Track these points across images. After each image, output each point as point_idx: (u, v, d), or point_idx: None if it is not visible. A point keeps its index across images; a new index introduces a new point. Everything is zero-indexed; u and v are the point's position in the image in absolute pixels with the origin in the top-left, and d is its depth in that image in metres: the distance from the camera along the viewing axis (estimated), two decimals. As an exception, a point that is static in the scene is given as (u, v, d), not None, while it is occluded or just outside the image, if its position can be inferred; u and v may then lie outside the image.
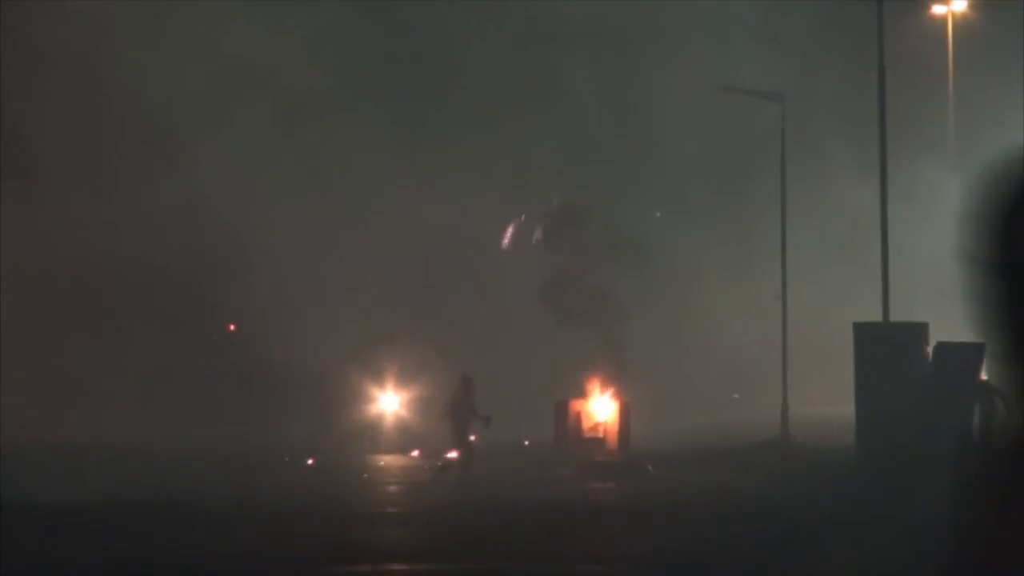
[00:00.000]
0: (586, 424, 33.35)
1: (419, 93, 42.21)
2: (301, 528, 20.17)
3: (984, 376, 26.46)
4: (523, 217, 22.92)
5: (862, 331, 26.95)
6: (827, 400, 40.17)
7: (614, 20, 41.98)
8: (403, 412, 37.29)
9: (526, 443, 34.93)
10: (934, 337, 26.54)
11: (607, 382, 33.73)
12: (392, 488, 27.62)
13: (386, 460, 34.11)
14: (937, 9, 46.38)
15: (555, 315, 35.02)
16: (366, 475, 30.13)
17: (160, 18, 40.08)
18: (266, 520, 20.84)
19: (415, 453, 33.91)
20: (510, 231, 23.21)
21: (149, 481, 26.62)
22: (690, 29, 42.08)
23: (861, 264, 36.59)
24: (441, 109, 41.28)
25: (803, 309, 38.55)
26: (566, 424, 33.02)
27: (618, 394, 33.54)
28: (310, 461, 32.42)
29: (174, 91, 39.60)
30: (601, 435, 33.18)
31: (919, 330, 26.62)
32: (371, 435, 36.92)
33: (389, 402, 38.24)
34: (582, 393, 33.59)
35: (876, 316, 28.77)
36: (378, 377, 38.60)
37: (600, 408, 33.47)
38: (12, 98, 37.82)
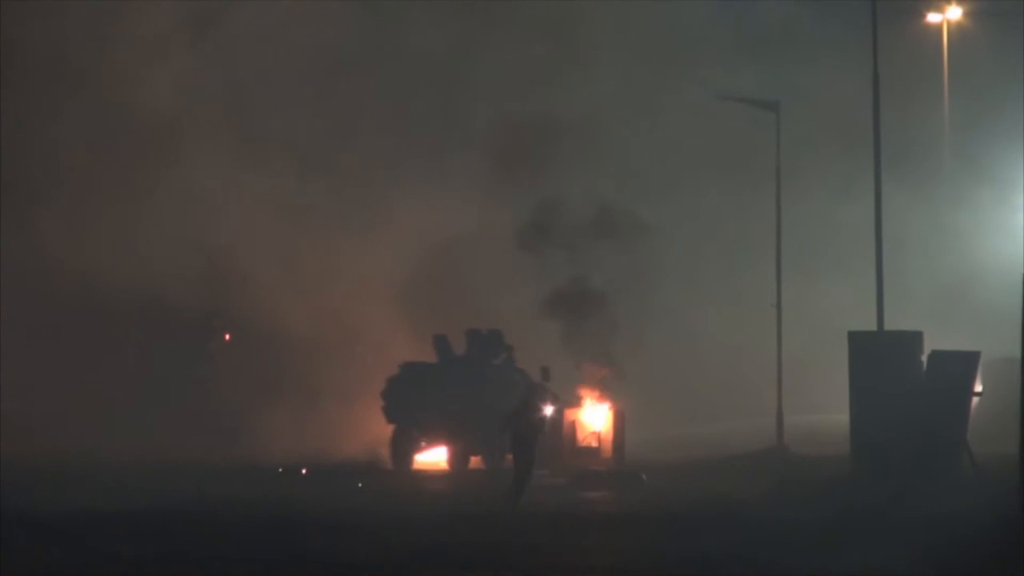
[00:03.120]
0: (580, 433, 33.29)
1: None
2: (288, 536, 20.13)
3: (979, 385, 26.45)
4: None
5: (857, 340, 26.90)
6: (819, 408, 40.19)
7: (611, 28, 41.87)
8: None
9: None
10: (928, 345, 26.54)
11: (601, 391, 33.65)
12: (384, 497, 27.54)
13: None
14: (932, 18, 46.47)
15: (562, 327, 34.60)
16: (360, 484, 30.08)
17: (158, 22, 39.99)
18: (260, 529, 20.87)
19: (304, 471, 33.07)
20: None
21: (149, 490, 26.71)
22: (683, 38, 42.06)
23: (855, 273, 36.52)
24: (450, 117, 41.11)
25: (796, 317, 38.50)
26: (560, 433, 32.93)
27: (613, 403, 33.47)
28: (304, 471, 32.52)
29: (173, 100, 39.51)
30: (595, 444, 33.13)
31: (914, 339, 26.59)
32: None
33: None
34: (576, 402, 33.50)
35: (870, 325, 28.75)
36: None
37: (594, 417, 33.41)
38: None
